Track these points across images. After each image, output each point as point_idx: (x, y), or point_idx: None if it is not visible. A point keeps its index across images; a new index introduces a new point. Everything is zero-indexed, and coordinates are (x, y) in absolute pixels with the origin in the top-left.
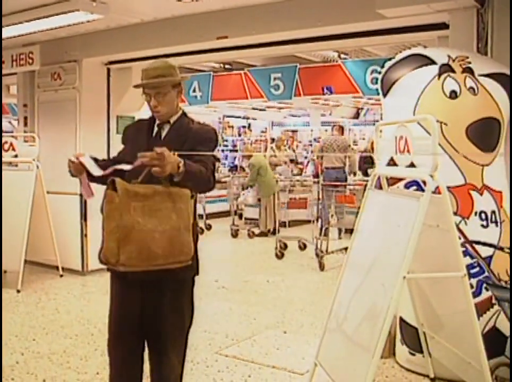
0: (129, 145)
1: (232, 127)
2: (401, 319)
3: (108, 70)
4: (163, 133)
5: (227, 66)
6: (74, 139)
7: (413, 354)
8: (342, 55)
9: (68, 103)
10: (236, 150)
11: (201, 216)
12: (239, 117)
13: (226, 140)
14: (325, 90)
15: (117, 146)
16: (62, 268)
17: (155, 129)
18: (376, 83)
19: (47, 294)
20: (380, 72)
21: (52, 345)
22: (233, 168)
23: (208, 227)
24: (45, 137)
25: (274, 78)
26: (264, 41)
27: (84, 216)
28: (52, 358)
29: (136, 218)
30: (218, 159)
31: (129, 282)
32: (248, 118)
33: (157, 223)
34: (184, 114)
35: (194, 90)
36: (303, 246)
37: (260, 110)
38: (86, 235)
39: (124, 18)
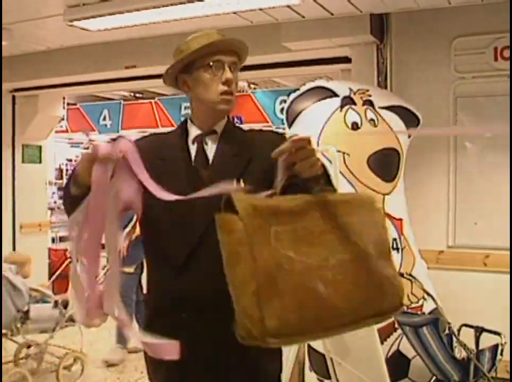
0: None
1: None
2: (309, 346)
3: (13, 97)
4: (210, 151)
5: (137, 95)
6: None
7: (322, 381)
8: (252, 86)
9: None
10: None
11: None
12: None
13: None
14: (236, 120)
15: (23, 176)
16: None
17: (191, 146)
18: None
19: None
20: None
21: None
22: None
23: None
24: None
25: (185, 107)
26: None
27: None
28: None
29: (283, 251)
30: None
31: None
32: None
33: (325, 252)
34: (228, 119)
35: (104, 119)
36: None
37: None
38: None
39: (30, 45)
